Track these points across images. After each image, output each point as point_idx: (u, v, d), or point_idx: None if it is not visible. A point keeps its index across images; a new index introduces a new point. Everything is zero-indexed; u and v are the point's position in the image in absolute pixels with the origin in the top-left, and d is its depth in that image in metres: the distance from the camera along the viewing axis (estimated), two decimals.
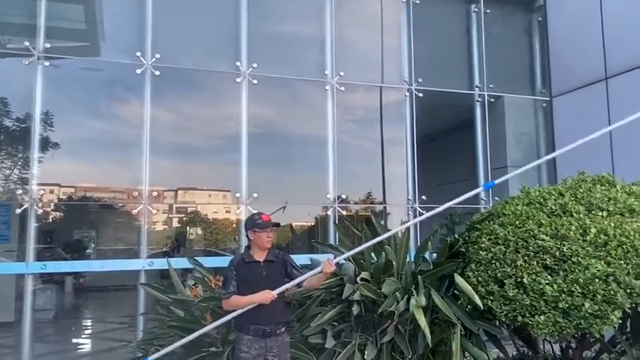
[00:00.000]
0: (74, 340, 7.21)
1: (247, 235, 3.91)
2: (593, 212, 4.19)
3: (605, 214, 4.14)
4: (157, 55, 6.48)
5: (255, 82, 6.85)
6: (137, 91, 6.45)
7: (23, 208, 5.91)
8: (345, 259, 4.86)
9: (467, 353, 4.49)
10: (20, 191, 6.06)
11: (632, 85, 6.99)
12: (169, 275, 5.07)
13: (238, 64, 6.84)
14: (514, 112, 8.15)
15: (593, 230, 3.95)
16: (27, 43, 6.06)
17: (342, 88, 7.24)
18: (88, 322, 8.11)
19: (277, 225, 3.94)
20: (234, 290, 3.76)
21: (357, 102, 7.60)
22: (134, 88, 6.48)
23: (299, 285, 4.06)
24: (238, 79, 6.82)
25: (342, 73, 7.24)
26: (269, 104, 7.21)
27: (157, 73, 6.46)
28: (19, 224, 6.07)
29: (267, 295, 3.69)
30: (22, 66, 6.05)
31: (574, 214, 4.17)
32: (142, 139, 6.36)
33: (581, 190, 4.45)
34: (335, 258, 3.95)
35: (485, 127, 7.99)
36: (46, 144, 6.23)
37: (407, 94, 7.60)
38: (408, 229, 5.12)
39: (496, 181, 4.57)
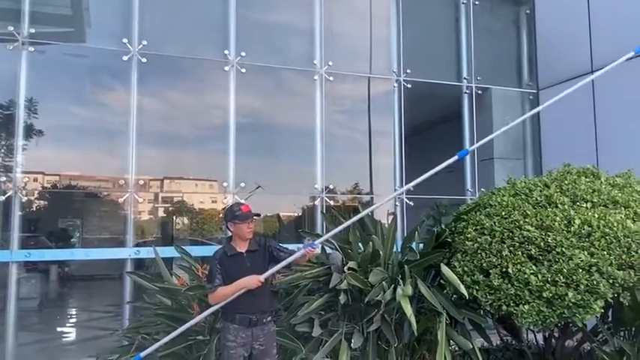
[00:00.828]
0: (59, 329, 7.15)
1: (228, 227, 3.88)
2: (578, 204, 4.25)
3: (589, 205, 4.21)
4: (144, 42, 6.40)
5: (243, 70, 6.80)
6: (123, 79, 6.38)
7: (7, 195, 5.84)
8: (332, 249, 4.90)
9: (452, 342, 4.54)
10: (4, 178, 5.98)
11: (616, 79, 7.05)
12: (156, 264, 5.04)
13: (226, 52, 6.79)
14: (501, 104, 8.21)
15: (578, 221, 4.01)
16: (11, 28, 5.95)
17: (331, 78, 7.22)
18: (74, 311, 8.03)
19: (257, 215, 3.91)
20: (219, 283, 3.73)
21: (345, 92, 7.59)
22: (120, 75, 6.41)
23: (288, 267, 4.04)
24: (226, 68, 6.77)
25: (330, 63, 7.22)
26: (257, 93, 7.18)
27: (144, 60, 6.39)
28: (2, 212, 6.00)
29: (252, 280, 3.66)
30: (6, 51, 5.95)
31: (559, 206, 4.22)
32: (129, 127, 6.31)
33: (566, 182, 4.51)
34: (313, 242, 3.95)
35: (472, 119, 8.04)
36: (30, 131, 6.14)
37: (395, 84, 7.61)
38: (395, 219, 5.14)
39: (470, 149, 4.64)
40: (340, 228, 4.29)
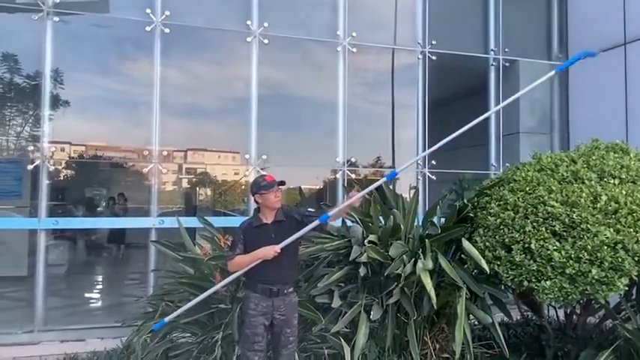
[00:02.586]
0: (86, 295, 7.38)
1: (255, 200, 3.90)
2: (605, 180, 4.16)
3: (617, 181, 4.11)
4: (167, 12, 6.38)
5: (265, 41, 6.75)
6: (147, 49, 6.39)
7: (35, 164, 5.96)
8: (353, 222, 4.90)
9: (471, 316, 4.55)
10: (31, 148, 6.11)
11: None
12: (179, 234, 5.12)
13: (249, 22, 6.73)
14: (529, 78, 7.96)
15: (604, 198, 3.93)
16: None
17: (354, 50, 7.11)
18: (100, 278, 8.28)
19: (282, 183, 3.88)
20: (239, 253, 3.78)
21: (368, 64, 7.48)
22: (144, 45, 6.41)
23: (311, 234, 4.04)
24: (249, 39, 6.72)
25: (354, 34, 7.10)
26: (279, 65, 7.12)
27: (167, 30, 6.38)
28: (30, 181, 6.14)
29: (269, 251, 3.68)
30: (31, 21, 5.99)
31: (585, 182, 4.14)
32: (152, 98, 6.34)
33: (593, 158, 4.41)
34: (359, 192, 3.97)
35: (498, 92, 7.86)
36: (56, 101, 6.23)
37: (420, 56, 7.46)
38: (416, 193, 5.10)
39: (397, 170, 4.62)
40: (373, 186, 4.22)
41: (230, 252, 3.85)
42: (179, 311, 4.08)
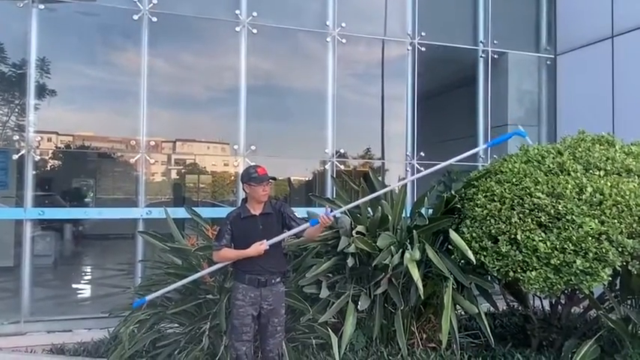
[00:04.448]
0: (73, 286, 7.34)
1: (243, 188, 3.90)
2: (591, 171, 4.21)
3: (602, 173, 4.16)
4: (155, 1, 6.31)
5: (254, 31, 6.70)
6: (134, 38, 6.32)
7: (20, 154, 5.89)
8: (341, 213, 4.91)
9: (458, 306, 4.60)
10: (17, 137, 6.03)
11: (638, 44, 6.86)
12: (167, 225, 5.10)
13: (238, 12, 6.68)
14: (517, 69, 8.03)
15: (590, 189, 3.97)
16: None
17: (344, 40, 7.09)
18: (87, 269, 8.23)
19: (273, 179, 3.91)
20: (226, 243, 3.80)
21: (358, 55, 7.46)
22: (131, 34, 6.34)
23: (298, 236, 4.09)
24: (237, 28, 6.67)
25: (343, 25, 7.08)
26: (268, 55, 7.08)
27: (154, 19, 6.31)
28: (16, 171, 6.07)
29: (259, 248, 3.71)
30: (17, 9, 5.90)
31: (571, 173, 4.18)
32: (140, 88, 6.28)
33: (579, 149, 4.45)
34: (331, 211, 3.95)
35: (487, 84, 7.88)
36: (42, 91, 6.15)
37: (409, 47, 7.45)
38: (405, 185, 5.14)
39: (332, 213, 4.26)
40: (360, 201, 4.41)
41: (216, 242, 3.84)
42: (161, 291, 4.17)
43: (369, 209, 4.84)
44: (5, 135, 6.30)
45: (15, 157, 5.92)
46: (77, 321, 5.92)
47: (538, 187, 4.13)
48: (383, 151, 7.53)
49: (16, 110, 6.29)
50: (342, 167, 7.08)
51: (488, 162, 7.26)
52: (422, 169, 7.30)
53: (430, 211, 4.95)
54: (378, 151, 7.56)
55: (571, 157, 4.37)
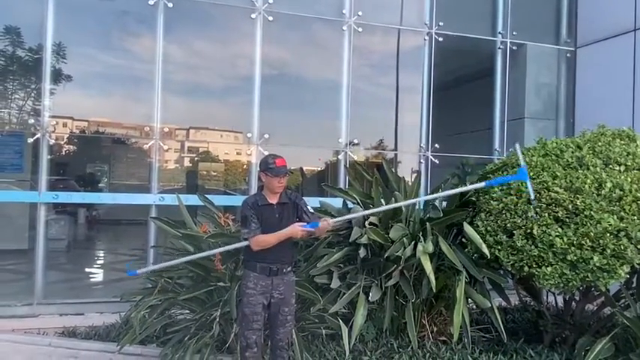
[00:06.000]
0: (86, 270, 7.41)
1: (259, 176, 3.87)
2: (610, 166, 4.11)
3: (622, 168, 4.07)
4: None
5: (270, 19, 6.64)
6: (150, 24, 6.30)
7: (35, 137, 5.92)
8: (354, 204, 4.87)
9: (470, 300, 4.55)
10: (32, 121, 6.07)
11: None
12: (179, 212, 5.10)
13: None
14: (536, 62, 7.87)
15: (609, 184, 3.89)
16: None
17: (360, 29, 7.01)
18: (100, 253, 8.31)
19: (291, 172, 3.86)
20: (257, 227, 3.71)
21: (374, 44, 7.37)
22: (147, 20, 6.32)
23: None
24: (253, 15, 6.62)
25: (360, 13, 6.99)
26: (283, 43, 7.03)
27: (170, 5, 6.28)
28: (31, 154, 6.11)
29: (296, 229, 3.68)
30: None
31: (590, 168, 4.09)
32: (154, 75, 6.27)
33: (599, 144, 4.35)
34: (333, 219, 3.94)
35: (504, 76, 7.76)
36: (57, 76, 6.18)
37: (426, 37, 7.35)
38: (419, 176, 5.08)
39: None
40: (371, 211, 4.42)
41: (246, 229, 3.76)
42: (154, 267, 4.35)
43: (383, 201, 4.80)
44: (21, 119, 6.34)
45: (30, 140, 5.95)
46: (89, 305, 5.98)
47: (556, 182, 4.06)
48: (396, 143, 7.47)
49: (32, 95, 6.33)
50: (355, 157, 7.02)
51: (505, 155, 7.18)
52: (436, 161, 7.23)
53: (444, 203, 4.90)
54: (391, 142, 7.50)
55: (590, 152, 4.28)
